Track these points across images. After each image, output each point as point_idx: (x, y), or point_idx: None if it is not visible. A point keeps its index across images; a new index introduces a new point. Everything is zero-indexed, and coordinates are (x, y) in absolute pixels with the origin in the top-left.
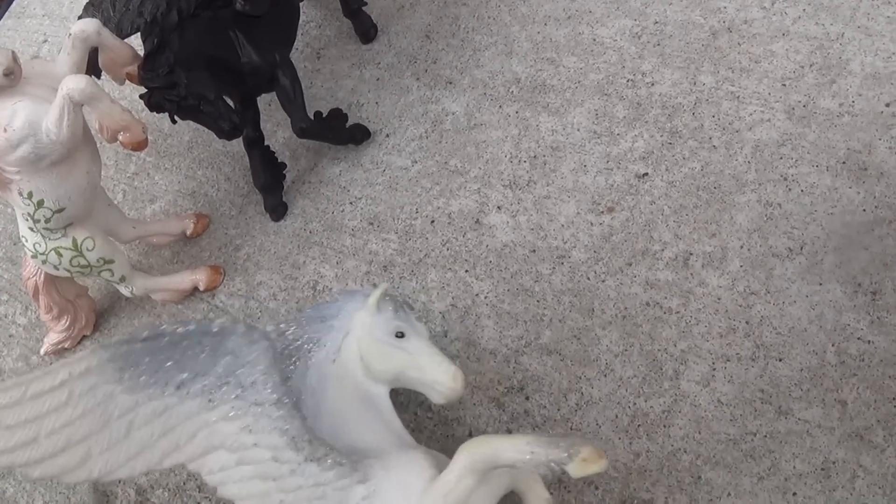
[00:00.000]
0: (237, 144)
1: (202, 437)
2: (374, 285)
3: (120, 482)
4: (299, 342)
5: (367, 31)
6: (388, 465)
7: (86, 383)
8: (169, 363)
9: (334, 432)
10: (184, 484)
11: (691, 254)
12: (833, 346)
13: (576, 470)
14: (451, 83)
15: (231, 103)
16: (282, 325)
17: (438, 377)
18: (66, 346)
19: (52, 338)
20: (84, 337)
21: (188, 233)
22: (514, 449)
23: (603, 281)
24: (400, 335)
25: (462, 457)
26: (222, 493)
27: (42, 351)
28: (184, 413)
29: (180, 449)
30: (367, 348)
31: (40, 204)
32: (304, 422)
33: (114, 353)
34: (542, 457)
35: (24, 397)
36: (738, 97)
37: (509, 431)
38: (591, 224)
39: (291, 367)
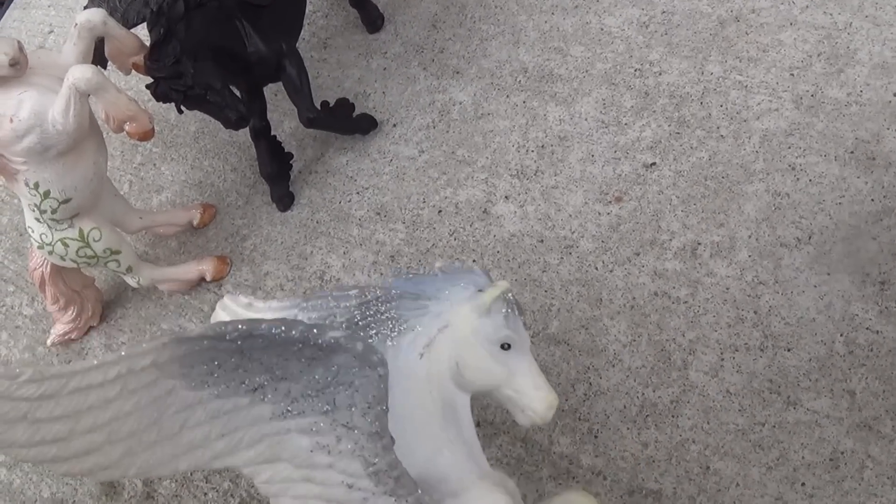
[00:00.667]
0: (244, 135)
1: (267, 444)
2: (488, 277)
3: None
4: (383, 315)
5: (373, 21)
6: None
7: (144, 378)
8: (252, 364)
9: (406, 443)
10: (191, 475)
11: (699, 244)
12: (841, 336)
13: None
14: (458, 73)
15: (237, 93)
16: (367, 291)
17: (534, 404)
18: (72, 336)
19: (59, 328)
20: (91, 328)
21: (195, 223)
22: None
23: (611, 271)
24: (506, 347)
25: None
26: None
27: (49, 342)
28: (252, 417)
29: (237, 453)
30: (466, 353)
31: (46, 195)
32: (396, 458)
33: (187, 350)
34: None
35: (61, 391)
36: (746, 86)
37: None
38: (599, 214)
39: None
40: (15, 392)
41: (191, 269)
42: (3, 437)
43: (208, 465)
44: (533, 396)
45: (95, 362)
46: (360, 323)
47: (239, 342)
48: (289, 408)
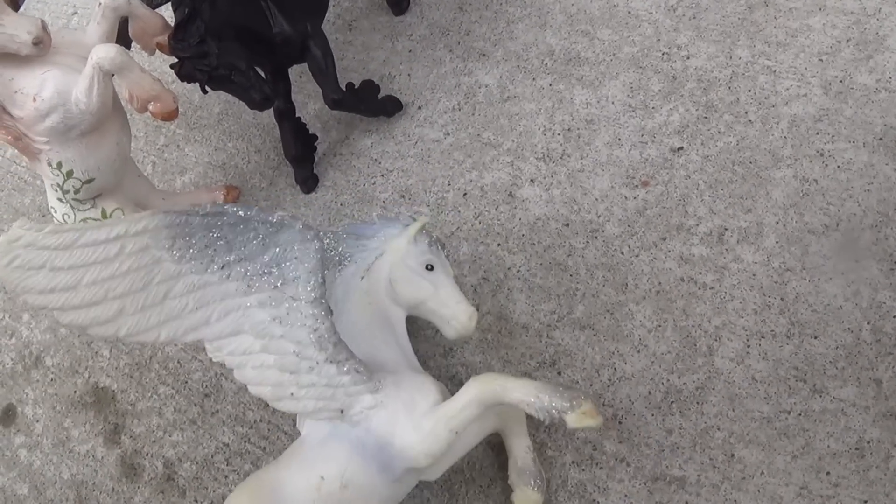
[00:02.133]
0: (268, 116)
1: (232, 318)
2: (413, 217)
3: (147, 455)
4: (332, 253)
5: (399, 3)
6: (398, 382)
7: (138, 243)
8: (220, 242)
9: (351, 343)
10: (211, 457)
11: (726, 229)
12: (869, 324)
13: (574, 420)
14: (484, 55)
15: (262, 74)
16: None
17: (457, 314)
18: None
19: None
20: None
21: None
22: (523, 390)
23: (637, 255)
24: (430, 268)
25: (472, 387)
26: (239, 375)
27: None
28: (221, 292)
29: (209, 325)
30: (398, 273)
31: (69, 174)
32: (333, 324)
33: (171, 221)
34: (546, 402)
35: (75, 243)
36: (775, 71)
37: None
38: (626, 198)
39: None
40: (40, 241)
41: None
42: (26, 282)
43: (184, 337)
44: (455, 307)
45: (103, 222)
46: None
47: (208, 218)
48: (249, 284)
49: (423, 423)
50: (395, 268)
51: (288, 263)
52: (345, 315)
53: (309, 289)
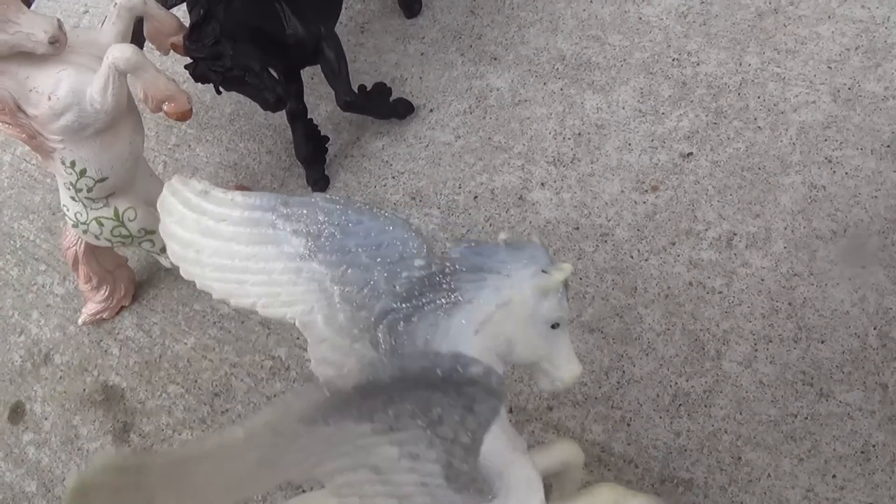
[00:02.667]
0: (279, 117)
1: (354, 456)
2: (550, 261)
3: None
4: (441, 285)
5: (411, 6)
6: (509, 483)
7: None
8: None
9: None
10: None
11: (735, 234)
12: (875, 329)
13: None
14: (495, 59)
15: (275, 76)
16: (427, 258)
17: (564, 376)
18: (104, 316)
19: (91, 308)
20: (122, 307)
21: None
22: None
23: (646, 260)
24: (555, 326)
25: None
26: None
27: (80, 321)
28: (353, 433)
29: (323, 464)
30: (522, 332)
31: (83, 173)
32: (478, 463)
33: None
34: None
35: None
36: (784, 78)
37: (549, 409)
38: (635, 202)
39: (416, 309)
40: (213, 194)
41: None
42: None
43: (296, 478)
44: (565, 369)
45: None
46: (417, 293)
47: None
48: (391, 424)
49: None
50: (519, 325)
51: (454, 409)
52: None
53: (469, 437)
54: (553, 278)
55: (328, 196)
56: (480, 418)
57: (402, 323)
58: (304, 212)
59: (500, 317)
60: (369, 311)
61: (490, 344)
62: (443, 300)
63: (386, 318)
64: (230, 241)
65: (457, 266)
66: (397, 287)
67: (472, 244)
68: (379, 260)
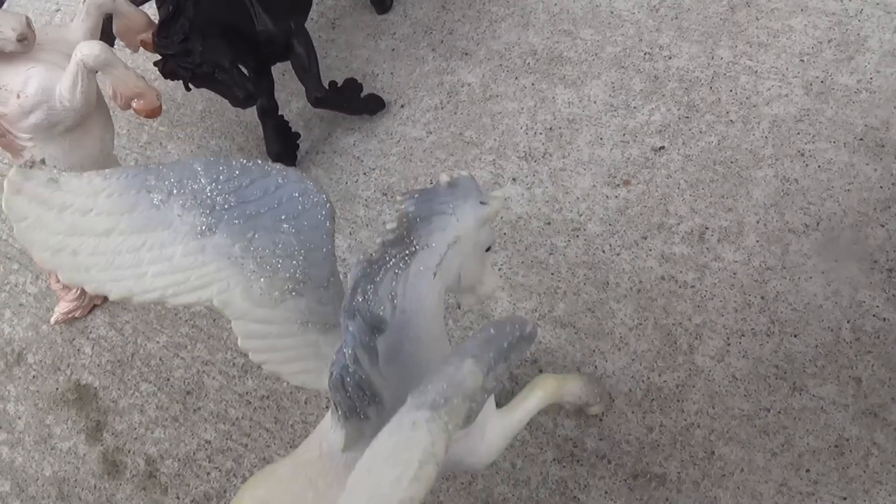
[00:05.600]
0: (251, 114)
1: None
2: (480, 190)
3: (129, 452)
4: (403, 242)
5: (382, 2)
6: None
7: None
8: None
9: (417, 362)
10: (193, 454)
11: (707, 228)
12: (848, 322)
13: (594, 411)
14: (466, 54)
15: (245, 72)
16: (387, 219)
17: (488, 289)
18: (76, 315)
19: (63, 307)
20: (95, 306)
21: None
22: (573, 394)
23: (618, 254)
24: (489, 249)
25: (536, 397)
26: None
27: (52, 320)
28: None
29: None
30: (470, 262)
31: None
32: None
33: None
34: (584, 401)
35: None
36: (756, 72)
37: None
38: (607, 197)
39: (385, 276)
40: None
41: None
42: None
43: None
44: (489, 284)
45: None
46: (384, 253)
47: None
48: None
49: (491, 439)
50: (467, 257)
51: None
52: (417, 327)
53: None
54: (492, 208)
55: (206, 158)
56: (511, 364)
57: (369, 286)
58: (187, 181)
59: (451, 254)
60: (287, 271)
61: (444, 282)
62: (403, 252)
63: (359, 286)
64: (108, 232)
65: (411, 216)
66: (372, 254)
67: (419, 193)
68: (283, 217)
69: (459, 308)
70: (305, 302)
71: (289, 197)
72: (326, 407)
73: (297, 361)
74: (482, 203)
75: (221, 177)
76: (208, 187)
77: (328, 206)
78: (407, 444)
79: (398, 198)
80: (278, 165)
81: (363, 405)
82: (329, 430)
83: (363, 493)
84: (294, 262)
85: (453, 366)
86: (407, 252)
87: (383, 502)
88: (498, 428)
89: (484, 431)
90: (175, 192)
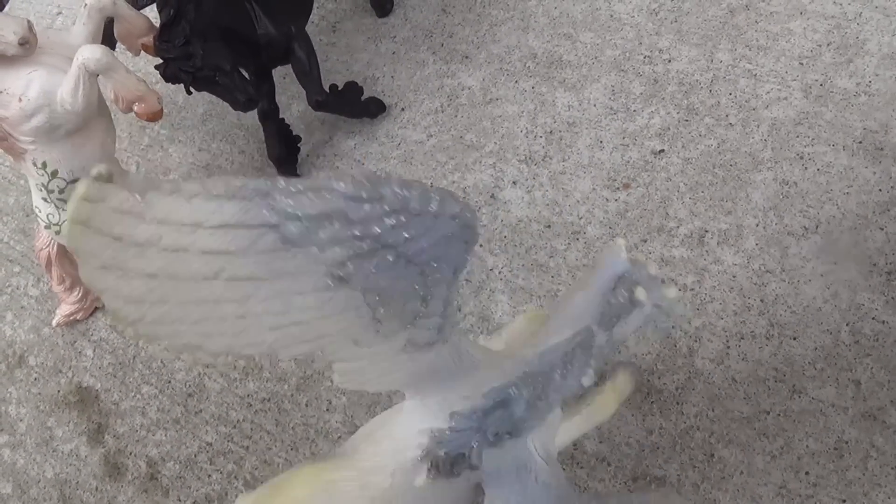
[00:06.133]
0: (251, 117)
1: None
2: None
3: (131, 454)
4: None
5: (383, 5)
6: None
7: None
8: None
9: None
10: (195, 456)
11: (707, 231)
12: (847, 325)
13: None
14: (467, 58)
15: (246, 75)
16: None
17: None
18: (78, 317)
19: (65, 309)
20: (96, 308)
21: None
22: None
23: None
24: None
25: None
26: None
27: (54, 322)
28: None
29: None
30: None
31: (54, 174)
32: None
33: None
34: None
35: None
36: (755, 75)
37: None
38: (607, 200)
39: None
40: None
41: None
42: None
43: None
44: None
45: None
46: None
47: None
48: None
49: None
50: None
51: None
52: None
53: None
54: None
55: (350, 177)
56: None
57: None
58: (326, 213)
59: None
60: (411, 314)
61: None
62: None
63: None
64: (212, 278)
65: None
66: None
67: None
68: (429, 280)
69: (460, 311)
70: (412, 332)
71: (444, 255)
72: (327, 410)
73: (385, 375)
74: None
75: (374, 211)
76: (354, 222)
77: (474, 234)
78: None
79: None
80: (436, 190)
81: (459, 471)
82: (409, 466)
83: None
84: (419, 302)
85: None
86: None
87: None
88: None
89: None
90: (309, 227)
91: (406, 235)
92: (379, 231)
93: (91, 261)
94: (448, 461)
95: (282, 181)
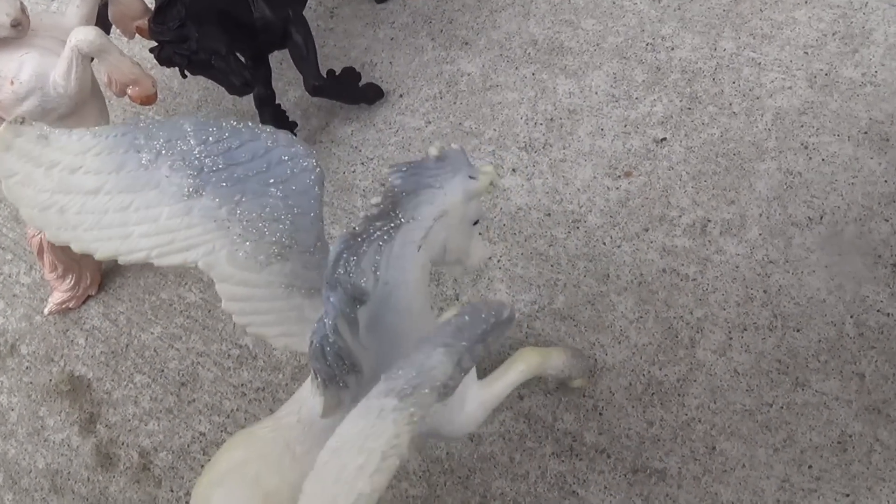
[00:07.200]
0: (247, 103)
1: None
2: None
3: (123, 444)
4: (388, 215)
5: None
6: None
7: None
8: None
9: (398, 333)
10: (188, 446)
11: (709, 221)
12: (852, 317)
13: (577, 384)
14: (466, 44)
15: (242, 60)
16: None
17: (476, 261)
18: (70, 305)
19: (57, 297)
20: (89, 296)
21: None
22: (556, 368)
23: (619, 246)
24: (476, 222)
25: (518, 369)
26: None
27: (46, 311)
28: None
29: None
30: (456, 236)
31: None
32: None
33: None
34: (567, 373)
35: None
36: (760, 64)
37: (520, 398)
38: (608, 188)
39: (365, 248)
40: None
41: None
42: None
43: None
44: (477, 255)
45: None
46: (369, 227)
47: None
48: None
49: (471, 410)
50: (453, 230)
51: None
52: (399, 298)
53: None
54: (481, 183)
55: (196, 119)
56: (490, 346)
57: (353, 258)
58: (176, 142)
59: (437, 228)
60: (273, 235)
61: (429, 255)
62: (388, 225)
63: (342, 257)
64: (96, 191)
65: (397, 190)
66: (355, 228)
67: (406, 166)
68: (272, 181)
69: (458, 299)
70: (291, 266)
71: (278, 160)
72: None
73: (281, 324)
74: (471, 177)
75: (211, 138)
76: (197, 149)
77: (317, 170)
78: (373, 431)
79: (385, 170)
80: (269, 128)
81: (342, 374)
82: (308, 397)
83: (329, 474)
84: (281, 227)
85: (424, 353)
86: (392, 225)
87: (347, 488)
88: (478, 399)
89: (464, 402)
90: (164, 152)
91: (244, 157)
92: (220, 150)
93: (11, 178)
94: (327, 361)
95: (143, 120)
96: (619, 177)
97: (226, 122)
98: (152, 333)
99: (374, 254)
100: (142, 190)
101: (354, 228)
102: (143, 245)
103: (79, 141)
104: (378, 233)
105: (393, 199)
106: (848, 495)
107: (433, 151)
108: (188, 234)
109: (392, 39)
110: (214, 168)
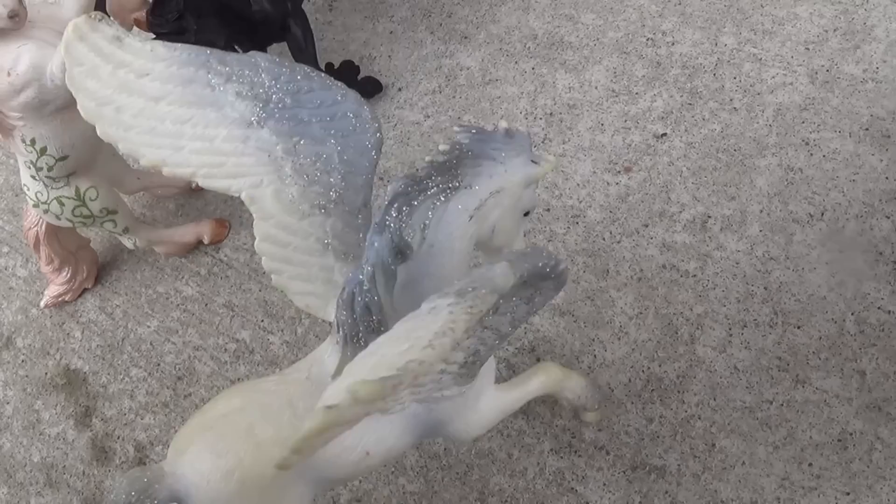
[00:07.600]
0: None
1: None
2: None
3: (119, 438)
4: (448, 172)
5: None
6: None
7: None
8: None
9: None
10: None
11: (710, 216)
12: (853, 314)
13: (590, 418)
14: (466, 38)
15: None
16: (441, 142)
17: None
18: (66, 298)
19: (53, 290)
20: (85, 290)
21: (193, 185)
22: (573, 392)
23: (618, 242)
24: (527, 214)
25: (538, 380)
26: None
27: (42, 303)
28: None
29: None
30: (507, 219)
31: (43, 151)
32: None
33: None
34: (581, 401)
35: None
36: (761, 59)
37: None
38: (608, 184)
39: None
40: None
41: (188, 232)
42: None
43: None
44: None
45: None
46: (429, 177)
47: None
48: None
49: (483, 412)
50: (506, 212)
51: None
52: (440, 265)
53: (510, 327)
54: (543, 169)
55: (272, 57)
56: (534, 307)
57: (406, 207)
58: (247, 72)
59: (491, 203)
60: (322, 186)
61: (477, 230)
62: (447, 185)
63: (397, 202)
64: (158, 99)
65: (464, 148)
66: (418, 171)
67: (476, 129)
68: (333, 132)
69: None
70: (332, 223)
71: (343, 115)
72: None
73: (308, 282)
74: (533, 162)
75: (283, 77)
76: (267, 83)
77: (378, 135)
78: (423, 323)
79: (455, 128)
80: (340, 83)
81: (367, 331)
82: (324, 356)
83: (368, 358)
84: (331, 180)
85: (485, 267)
86: (450, 185)
87: (389, 364)
88: (492, 402)
89: (478, 401)
90: (234, 78)
91: (312, 103)
92: (290, 90)
93: (78, 67)
94: (354, 313)
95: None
96: (619, 172)
97: (300, 67)
98: (149, 327)
99: (427, 210)
100: (204, 108)
101: (416, 170)
102: (192, 161)
103: (152, 50)
104: (435, 188)
105: (459, 156)
106: (848, 493)
107: (503, 125)
108: (239, 161)
109: (391, 33)
110: (280, 105)
